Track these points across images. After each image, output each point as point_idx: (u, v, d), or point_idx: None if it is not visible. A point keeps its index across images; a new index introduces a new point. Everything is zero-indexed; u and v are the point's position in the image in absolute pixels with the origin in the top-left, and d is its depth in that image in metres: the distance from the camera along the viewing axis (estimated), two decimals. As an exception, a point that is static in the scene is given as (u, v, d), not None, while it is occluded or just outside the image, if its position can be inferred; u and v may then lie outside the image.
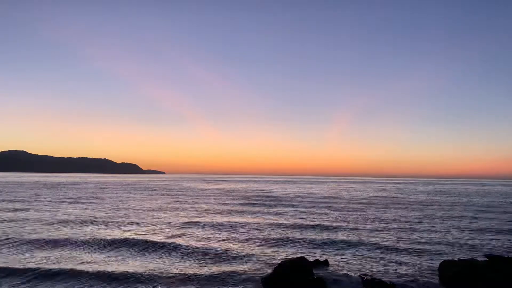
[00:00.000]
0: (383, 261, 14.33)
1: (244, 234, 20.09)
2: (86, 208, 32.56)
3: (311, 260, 13.46)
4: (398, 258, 14.89)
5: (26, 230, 20.30)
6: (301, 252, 15.56)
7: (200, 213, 29.85)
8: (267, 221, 25.76)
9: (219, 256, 14.88)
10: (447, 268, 12.02)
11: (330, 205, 39.36)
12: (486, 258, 12.41)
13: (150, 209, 32.93)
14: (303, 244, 17.50)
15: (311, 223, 24.82)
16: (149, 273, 12.38)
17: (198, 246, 16.63)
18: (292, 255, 14.59)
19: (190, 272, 12.57)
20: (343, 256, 15.07)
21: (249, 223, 24.37)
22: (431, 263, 13.95)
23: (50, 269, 12.48)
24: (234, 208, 35.08)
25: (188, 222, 24.46)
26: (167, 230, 21.26)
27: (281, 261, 12.82)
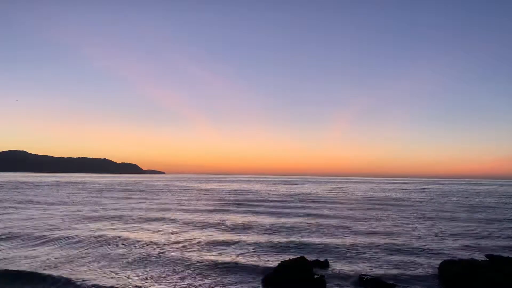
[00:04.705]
0: (383, 261, 14.36)
1: (243, 235, 20.12)
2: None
3: (312, 260, 13.50)
4: (398, 258, 14.92)
5: None
6: (301, 252, 15.59)
7: (194, 212, 29.89)
8: (267, 221, 25.79)
9: (219, 256, 14.93)
10: (447, 268, 12.05)
11: (330, 205, 39.37)
12: (486, 258, 12.45)
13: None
14: (303, 244, 17.52)
15: (311, 223, 24.85)
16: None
17: (197, 246, 16.68)
18: (293, 255, 14.62)
19: (191, 272, 12.60)
20: (343, 256, 15.10)
21: (248, 223, 24.41)
22: (431, 263, 13.97)
23: None
24: (229, 209, 35.10)
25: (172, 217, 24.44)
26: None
27: (282, 260, 12.85)
